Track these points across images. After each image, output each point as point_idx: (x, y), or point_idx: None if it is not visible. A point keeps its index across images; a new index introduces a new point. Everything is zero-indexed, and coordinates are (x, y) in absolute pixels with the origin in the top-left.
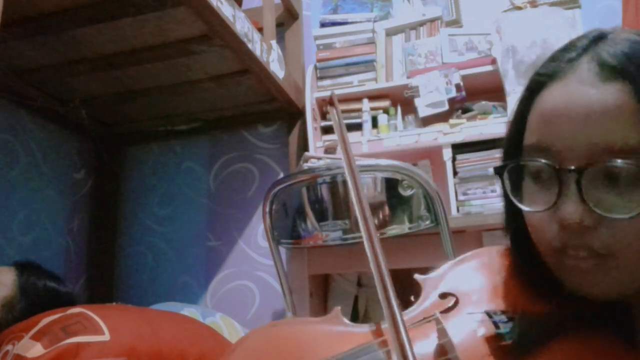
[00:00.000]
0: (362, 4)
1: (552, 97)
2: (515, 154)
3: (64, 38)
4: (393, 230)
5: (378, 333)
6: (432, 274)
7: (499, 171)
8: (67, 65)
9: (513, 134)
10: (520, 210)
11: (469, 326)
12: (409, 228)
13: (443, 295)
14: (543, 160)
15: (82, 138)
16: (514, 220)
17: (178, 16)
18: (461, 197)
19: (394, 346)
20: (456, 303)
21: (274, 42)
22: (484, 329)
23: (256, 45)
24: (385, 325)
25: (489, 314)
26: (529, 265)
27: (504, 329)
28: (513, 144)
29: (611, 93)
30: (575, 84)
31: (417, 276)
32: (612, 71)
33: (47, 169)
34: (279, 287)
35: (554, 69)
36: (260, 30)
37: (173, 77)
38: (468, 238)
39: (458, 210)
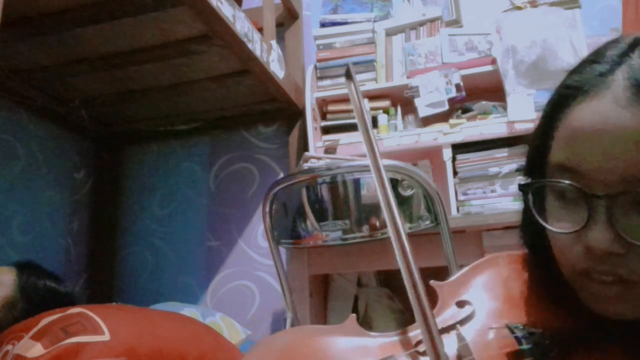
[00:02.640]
0: (362, 4)
1: (583, 115)
2: (539, 169)
3: (64, 38)
4: None
5: (397, 345)
6: (448, 281)
7: (523, 189)
8: (67, 65)
9: (537, 147)
10: (541, 227)
11: (490, 341)
12: (409, 228)
13: (460, 304)
14: (572, 183)
15: (82, 138)
16: (534, 234)
17: (178, 16)
18: (461, 197)
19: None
20: (474, 313)
21: (274, 42)
22: (505, 345)
23: (256, 45)
24: (403, 336)
25: (510, 329)
26: (549, 279)
27: (527, 345)
28: (537, 158)
29: None
30: (609, 103)
31: (432, 282)
32: None
33: (47, 169)
34: (279, 287)
35: (584, 82)
36: (260, 30)
37: (173, 77)
38: (468, 238)
39: (458, 210)
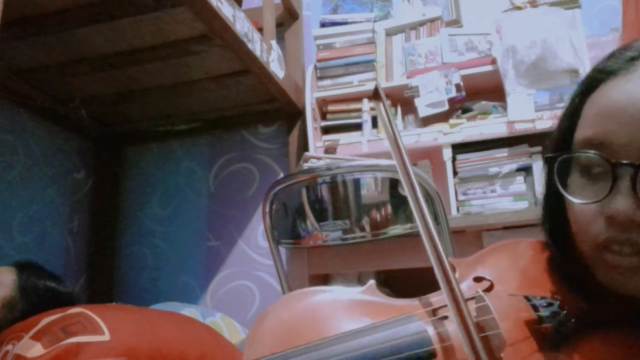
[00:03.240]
0: (362, 4)
1: (613, 92)
2: (565, 146)
3: (64, 38)
4: (393, 230)
5: (417, 306)
6: (467, 259)
7: (550, 160)
8: (67, 65)
9: (564, 126)
10: (561, 203)
11: (507, 308)
12: (409, 228)
13: (478, 279)
14: (598, 153)
15: (82, 138)
16: (553, 212)
17: (178, 16)
18: (461, 197)
19: (454, 316)
20: (491, 287)
21: (274, 42)
22: (522, 312)
23: (256, 45)
24: (423, 301)
25: (527, 298)
26: (566, 259)
27: (544, 312)
28: (563, 136)
29: None
30: (637, 81)
31: (451, 259)
32: None
33: (47, 169)
34: (279, 287)
35: (614, 66)
36: (260, 30)
37: (173, 77)
38: (468, 238)
39: (458, 210)
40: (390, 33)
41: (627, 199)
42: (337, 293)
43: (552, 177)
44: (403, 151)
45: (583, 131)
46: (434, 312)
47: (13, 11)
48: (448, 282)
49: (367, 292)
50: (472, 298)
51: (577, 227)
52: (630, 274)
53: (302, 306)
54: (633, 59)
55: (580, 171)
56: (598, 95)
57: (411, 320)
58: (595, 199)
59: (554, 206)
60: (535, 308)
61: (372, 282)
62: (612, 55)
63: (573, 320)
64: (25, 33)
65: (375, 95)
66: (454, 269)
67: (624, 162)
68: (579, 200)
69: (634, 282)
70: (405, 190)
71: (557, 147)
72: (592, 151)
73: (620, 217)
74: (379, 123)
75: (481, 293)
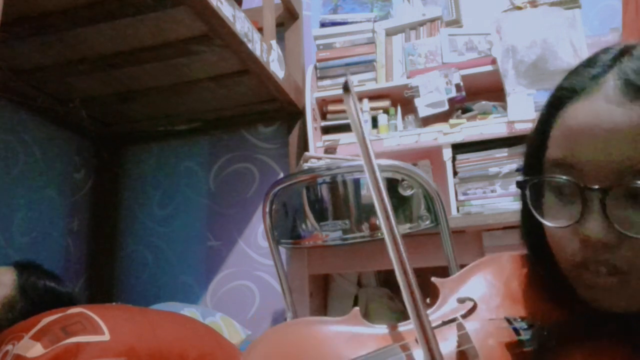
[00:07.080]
0: (362, 4)
1: (577, 113)
2: (536, 167)
3: (64, 38)
4: None
5: (399, 335)
6: (450, 278)
7: (521, 185)
8: (67, 65)
9: (534, 147)
10: (539, 223)
11: (489, 332)
12: (409, 228)
13: (461, 300)
14: (567, 178)
15: (82, 138)
16: (533, 231)
17: (178, 16)
18: (461, 197)
19: (423, 350)
20: (474, 308)
21: (274, 42)
22: (504, 336)
23: (256, 45)
24: (406, 328)
25: (509, 320)
26: (547, 274)
27: (525, 335)
28: (534, 157)
29: (637, 112)
30: (601, 102)
31: (434, 279)
32: (638, 90)
33: (47, 169)
34: (279, 287)
35: (578, 84)
36: (260, 30)
37: (173, 77)
38: (468, 238)
39: (458, 210)
40: (390, 33)
41: (599, 222)
42: (322, 325)
43: (525, 201)
44: (372, 153)
45: (552, 152)
46: (416, 340)
47: (13, 11)
48: (419, 319)
49: (351, 322)
50: (452, 323)
51: (554, 247)
52: (609, 293)
53: (289, 340)
54: (595, 77)
55: (553, 191)
56: (564, 115)
57: (393, 352)
58: (568, 221)
59: (532, 224)
60: (516, 331)
61: (356, 309)
62: (576, 72)
63: (555, 340)
64: (25, 33)
65: (345, 89)
66: (437, 291)
67: (593, 187)
68: (552, 224)
69: (613, 300)
70: (374, 198)
71: (529, 166)
72: (561, 176)
73: (592, 240)
74: (349, 120)
75: (460, 320)
